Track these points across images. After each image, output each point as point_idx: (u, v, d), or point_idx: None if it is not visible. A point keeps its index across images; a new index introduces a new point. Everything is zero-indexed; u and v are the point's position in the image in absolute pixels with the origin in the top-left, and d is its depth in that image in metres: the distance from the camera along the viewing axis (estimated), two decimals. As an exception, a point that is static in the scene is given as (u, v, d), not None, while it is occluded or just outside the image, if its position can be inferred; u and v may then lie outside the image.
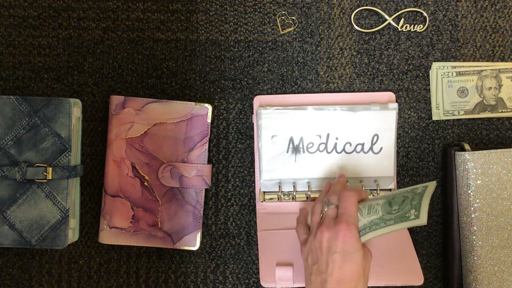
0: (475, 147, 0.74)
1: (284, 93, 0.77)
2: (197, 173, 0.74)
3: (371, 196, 0.69)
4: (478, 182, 0.70)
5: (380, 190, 0.74)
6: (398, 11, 0.77)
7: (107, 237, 0.74)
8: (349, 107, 0.72)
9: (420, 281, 0.67)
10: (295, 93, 0.77)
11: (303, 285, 0.67)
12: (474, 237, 0.70)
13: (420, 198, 0.59)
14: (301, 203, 0.75)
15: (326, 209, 0.63)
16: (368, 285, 0.62)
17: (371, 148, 0.73)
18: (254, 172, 0.76)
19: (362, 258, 0.60)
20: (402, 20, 0.77)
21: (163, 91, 0.77)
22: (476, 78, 0.76)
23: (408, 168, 0.77)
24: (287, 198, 0.74)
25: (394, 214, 0.60)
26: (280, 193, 0.74)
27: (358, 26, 0.77)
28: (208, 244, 0.76)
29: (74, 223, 0.73)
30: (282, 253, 0.69)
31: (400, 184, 0.76)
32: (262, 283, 0.67)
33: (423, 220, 0.58)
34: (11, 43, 0.76)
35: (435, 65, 0.76)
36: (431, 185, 0.58)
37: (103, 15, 0.77)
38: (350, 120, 0.72)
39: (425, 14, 0.77)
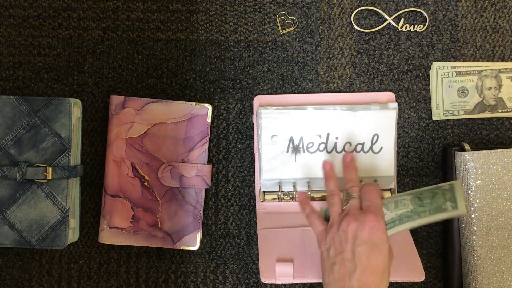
0: (475, 147, 0.74)
1: (284, 93, 0.77)
2: (197, 173, 0.74)
3: (390, 195, 0.72)
4: (478, 182, 0.70)
5: (380, 190, 0.74)
6: (398, 11, 0.77)
7: (107, 237, 0.74)
8: (349, 107, 0.72)
9: (421, 277, 0.67)
10: (295, 93, 0.77)
11: (303, 281, 0.67)
12: (474, 237, 0.70)
13: (451, 193, 0.60)
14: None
15: (350, 201, 0.62)
16: None
17: (371, 148, 0.73)
18: (254, 172, 0.76)
19: (388, 251, 0.59)
20: (402, 20, 0.77)
21: (163, 91, 0.77)
22: (476, 78, 0.76)
23: (408, 168, 0.77)
24: (287, 198, 0.74)
25: (427, 207, 0.60)
26: (280, 193, 0.74)
27: (358, 26, 0.77)
28: (208, 244, 0.76)
29: (74, 223, 0.73)
30: (282, 249, 0.69)
31: (400, 184, 0.76)
32: (262, 279, 0.67)
33: (462, 210, 0.59)
34: (11, 43, 0.76)
35: (435, 65, 0.76)
36: (457, 183, 0.60)
37: (103, 15, 0.77)
38: (350, 120, 0.72)
39: (425, 14, 0.77)
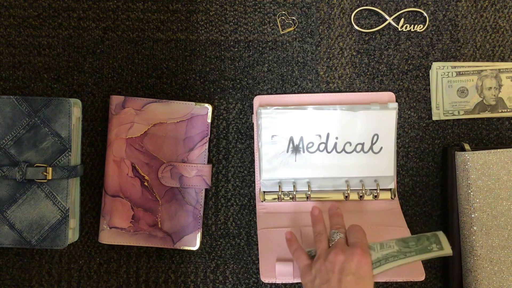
0: (475, 147, 0.74)
1: (284, 93, 0.77)
2: (197, 173, 0.74)
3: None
4: (478, 182, 0.70)
5: (380, 190, 0.74)
6: (398, 11, 0.77)
7: (107, 237, 0.74)
8: (349, 106, 0.72)
9: (421, 276, 0.67)
10: (295, 93, 0.77)
11: None
12: (474, 237, 0.70)
13: (436, 238, 0.60)
14: (300, 204, 0.75)
15: (337, 238, 0.62)
16: None
17: (371, 148, 0.73)
18: (254, 172, 0.76)
19: (373, 287, 0.59)
20: (402, 20, 0.77)
21: (163, 91, 0.77)
22: (476, 78, 0.76)
23: (408, 168, 0.77)
24: (287, 198, 0.74)
25: (413, 248, 0.61)
26: (280, 193, 0.74)
27: (358, 26, 0.77)
28: (208, 244, 0.76)
29: (74, 223, 0.73)
30: (282, 249, 0.69)
31: (400, 184, 0.76)
32: (262, 279, 0.67)
33: (448, 250, 0.59)
34: (11, 43, 0.76)
35: (435, 65, 0.76)
36: (440, 232, 0.61)
37: (103, 15, 0.77)
38: (350, 120, 0.72)
39: (425, 14, 0.77)
